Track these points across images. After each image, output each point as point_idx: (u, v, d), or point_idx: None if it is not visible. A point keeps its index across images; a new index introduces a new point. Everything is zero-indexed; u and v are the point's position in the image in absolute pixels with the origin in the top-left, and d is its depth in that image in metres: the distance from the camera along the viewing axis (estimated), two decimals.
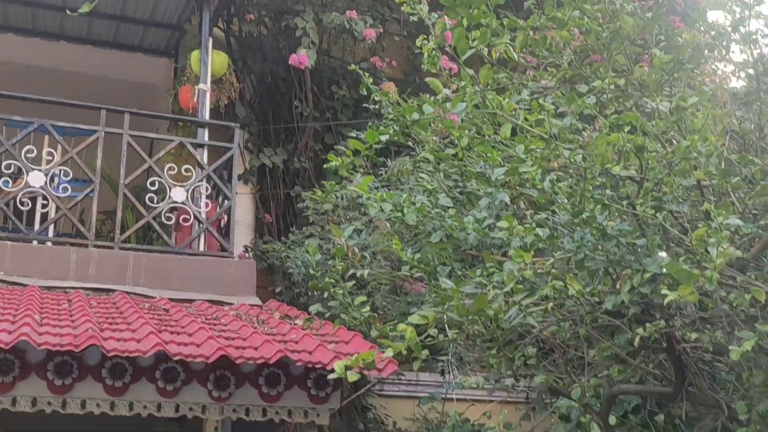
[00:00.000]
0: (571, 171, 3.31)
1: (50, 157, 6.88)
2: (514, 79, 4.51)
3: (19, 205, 6.63)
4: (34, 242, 6.74)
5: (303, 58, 7.60)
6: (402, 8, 3.89)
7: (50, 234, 7.07)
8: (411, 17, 3.94)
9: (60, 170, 6.87)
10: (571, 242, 3.13)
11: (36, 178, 6.69)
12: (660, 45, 3.95)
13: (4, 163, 6.70)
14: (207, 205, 7.27)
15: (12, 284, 6.18)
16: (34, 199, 6.86)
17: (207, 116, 7.67)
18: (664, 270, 2.77)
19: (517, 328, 3.73)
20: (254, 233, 8.93)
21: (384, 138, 4.23)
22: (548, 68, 4.39)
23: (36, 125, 6.81)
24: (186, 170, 7.14)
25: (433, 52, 3.98)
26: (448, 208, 4.71)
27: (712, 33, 4.20)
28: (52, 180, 6.90)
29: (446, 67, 5.01)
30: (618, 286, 3.11)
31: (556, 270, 3.29)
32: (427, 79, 4.09)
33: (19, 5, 8.76)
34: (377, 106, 4.99)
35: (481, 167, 4.80)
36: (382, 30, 8.24)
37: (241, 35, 9.04)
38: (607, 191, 3.14)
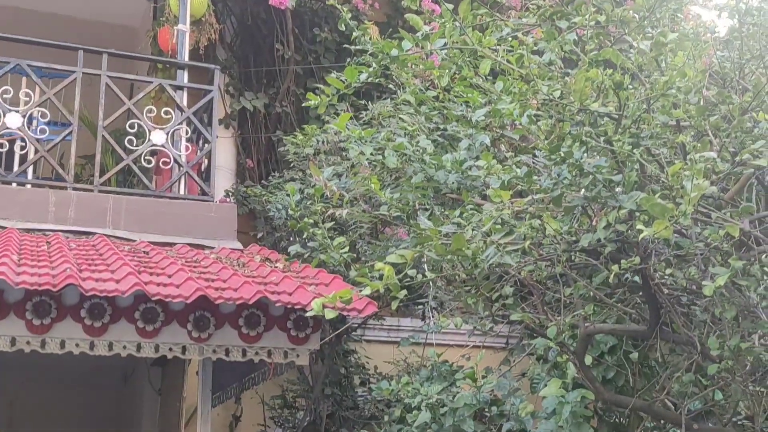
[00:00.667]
0: (550, 110, 3.28)
1: (27, 98, 6.79)
2: (495, 17, 4.46)
3: None
4: (13, 185, 6.68)
5: None
6: None
7: (29, 177, 7.01)
8: None
9: (38, 111, 6.79)
10: (549, 180, 3.12)
11: (13, 120, 6.59)
12: None
13: None
14: (187, 148, 7.21)
15: None
16: (12, 142, 6.78)
17: (186, 58, 7.57)
18: (640, 206, 2.77)
19: (495, 269, 3.74)
20: (236, 178, 8.87)
21: (364, 77, 4.18)
22: (530, 8, 4.34)
23: (12, 65, 6.70)
24: (166, 113, 7.06)
25: None
26: (429, 151, 4.70)
27: None
28: (30, 122, 6.82)
29: (429, 7, 4.96)
30: (594, 223, 3.11)
31: (533, 209, 3.29)
32: (407, 15, 4.03)
33: None
34: (358, 46, 4.93)
35: (461, 109, 4.78)
36: None
37: None
38: (585, 128, 3.12)
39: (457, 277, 4.30)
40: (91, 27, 10.15)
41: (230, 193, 8.36)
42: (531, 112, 3.19)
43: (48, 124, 6.95)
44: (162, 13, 8.12)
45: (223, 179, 8.38)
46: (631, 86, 3.20)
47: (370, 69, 4.02)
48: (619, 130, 3.11)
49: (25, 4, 9.70)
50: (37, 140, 6.71)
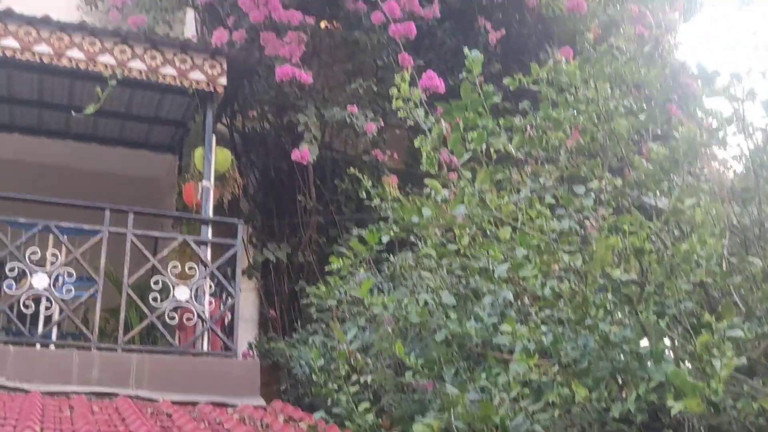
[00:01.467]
0: (571, 275, 3.28)
1: (54, 259, 6.88)
2: (512, 174, 4.54)
3: (22, 308, 6.60)
4: (37, 345, 6.70)
5: (305, 153, 7.66)
6: (398, 114, 3.94)
7: (54, 335, 7.03)
8: (408, 121, 3.99)
9: (64, 271, 6.88)
10: (575, 349, 3.08)
11: (40, 280, 6.68)
12: (657, 138, 3.97)
13: (8, 266, 6.71)
14: (210, 303, 7.24)
15: (14, 390, 6.10)
16: (37, 300, 6.84)
17: (210, 213, 7.71)
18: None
19: None
20: (259, 328, 8.88)
21: (385, 239, 4.24)
22: (545, 162, 4.42)
23: (40, 227, 6.85)
24: (190, 268, 7.14)
25: (431, 153, 4.02)
26: (452, 306, 4.69)
27: (710, 120, 4.22)
28: (56, 281, 6.89)
29: (446, 160, 5.03)
30: (624, 394, 3.05)
31: (561, 378, 3.23)
32: (426, 181, 4.10)
33: (26, 106, 8.93)
34: (379, 203, 5.01)
35: (483, 263, 4.79)
36: (383, 123, 8.33)
37: (245, 130, 9.16)
38: (609, 295, 3.10)
39: None
40: (117, 180, 10.44)
41: (253, 346, 8.32)
42: (554, 284, 3.18)
43: (73, 282, 7.02)
44: (187, 170, 8.32)
45: (246, 330, 8.37)
46: (651, 249, 3.20)
47: (391, 233, 4.07)
48: (643, 295, 3.09)
49: (50, 160, 10.01)
50: (62, 300, 6.77)
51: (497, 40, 8.98)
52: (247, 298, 8.51)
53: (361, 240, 4.67)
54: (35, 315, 6.89)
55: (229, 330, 7.15)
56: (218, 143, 8.52)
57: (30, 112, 9.10)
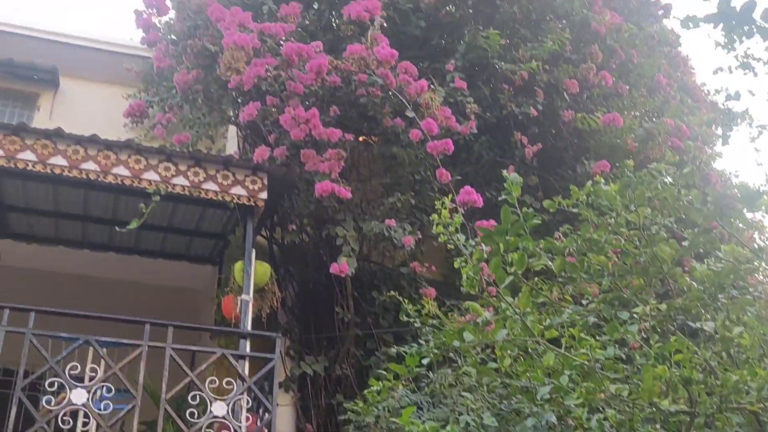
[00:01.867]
0: (617, 405, 3.21)
1: (93, 374, 6.90)
2: (553, 293, 4.52)
3: (60, 424, 6.58)
4: None
5: (343, 266, 7.69)
6: (439, 238, 3.97)
7: None
8: (449, 245, 4.01)
9: (102, 386, 6.89)
10: None
11: (78, 396, 6.68)
12: (698, 256, 3.95)
13: (47, 380, 6.73)
14: (248, 419, 7.17)
15: None
16: (75, 413, 6.82)
17: (249, 327, 7.72)
18: None
19: None
20: None
21: (426, 361, 4.21)
22: (588, 283, 4.40)
23: (81, 341, 6.89)
24: (227, 383, 7.10)
25: (472, 276, 4.02)
26: (494, 427, 4.61)
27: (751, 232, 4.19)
28: (94, 394, 6.89)
29: (486, 275, 5.01)
30: None
31: None
32: (466, 304, 4.09)
33: (71, 220, 9.15)
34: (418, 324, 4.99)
35: (525, 383, 4.72)
36: (420, 236, 8.37)
37: (284, 243, 9.25)
38: (657, 425, 3.03)
39: None
40: (157, 291, 10.56)
41: None
42: (600, 417, 3.12)
43: (112, 396, 7.02)
44: (227, 283, 8.39)
45: None
46: (699, 379, 3.14)
47: (431, 355, 4.04)
48: (693, 426, 3.01)
49: (92, 271, 10.17)
50: (100, 414, 6.75)
51: (533, 153, 9.08)
52: (284, 412, 8.41)
53: (400, 359, 4.64)
54: (72, 429, 6.88)
55: None
56: (257, 255, 8.62)
57: (74, 226, 9.31)
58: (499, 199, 4.10)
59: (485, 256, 3.76)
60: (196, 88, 8.87)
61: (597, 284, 3.94)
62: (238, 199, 8.01)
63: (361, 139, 9.12)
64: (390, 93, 8.09)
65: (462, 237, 4.04)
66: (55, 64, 11.94)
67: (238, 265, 8.14)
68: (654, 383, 2.97)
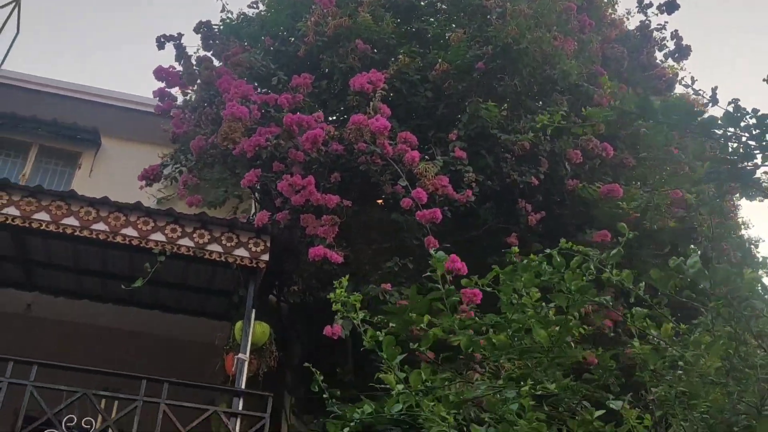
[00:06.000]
0: None
1: (88, 426, 7.23)
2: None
3: None
4: None
5: (336, 329, 7.93)
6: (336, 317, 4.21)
7: None
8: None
9: None
10: None
11: None
12: None
13: None
14: None
15: None
16: None
17: (243, 385, 7.99)
18: None
19: None
20: None
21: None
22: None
23: (80, 394, 7.25)
24: None
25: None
26: None
27: None
28: None
29: None
30: None
31: None
32: (381, 374, 4.30)
33: (92, 276, 9.62)
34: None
35: None
36: None
37: (291, 302, 9.54)
38: None
39: None
40: (179, 344, 10.92)
41: None
42: None
43: None
44: (227, 342, 8.70)
45: None
46: None
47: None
48: None
49: (113, 323, 10.57)
50: None
51: (537, 221, 9.23)
52: None
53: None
54: None
55: None
56: (267, 315, 8.93)
57: (95, 281, 9.77)
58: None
59: (379, 336, 3.99)
60: (212, 153, 9.29)
61: (508, 360, 4.11)
62: (241, 260, 8.36)
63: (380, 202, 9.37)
64: (389, 161, 8.39)
65: (361, 314, 4.29)
66: (96, 125, 12.60)
67: (238, 325, 8.45)
68: None
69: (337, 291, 4.27)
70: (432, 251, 4.47)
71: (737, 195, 10.69)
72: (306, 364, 6.47)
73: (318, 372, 8.27)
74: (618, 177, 9.72)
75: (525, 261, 4.00)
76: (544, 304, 3.94)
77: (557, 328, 3.81)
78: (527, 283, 3.87)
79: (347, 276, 4.65)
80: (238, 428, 7.60)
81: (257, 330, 8.47)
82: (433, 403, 3.72)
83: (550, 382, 3.77)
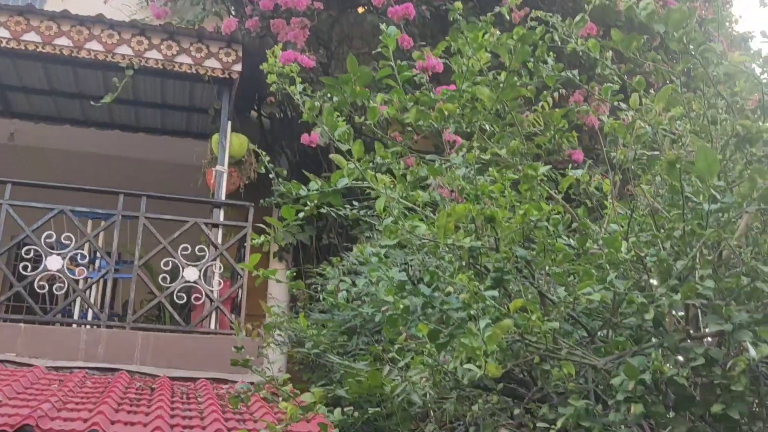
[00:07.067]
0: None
1: (68, 242, 7.22)
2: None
3: (36, 289, 6.97)
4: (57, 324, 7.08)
5: (314, 137, 7.73)
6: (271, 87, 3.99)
7: (76, 315, 7.42)
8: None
9: (78, 253, 7.24)
10: None
11: (54, 262, 7.03)
12: None
13: (23, 249, 7.09)
14: (220, 283, 7.44)
15: (21, 365, 6.44)
16: (51, 281, 7.18)
17: (223, 197, 7.91)
18: None
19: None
20: (289, 310, 9.03)
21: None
22: None
23: (56, 211, 7.19)
24: (199, 250, 7.36)
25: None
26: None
27: None
28: (71, 262, 7.24)
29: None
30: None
31: None
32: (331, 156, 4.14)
33: (66, 98, 9.36)
34: None
35: None
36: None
37: (275, 117, 9.32)
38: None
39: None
40: (164, 166, 10.78)
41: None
42: None
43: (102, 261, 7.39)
44: (206, 156, 8.56)
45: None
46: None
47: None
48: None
49: (97, 148, 10.40)
50: (75, 281, 7.11)
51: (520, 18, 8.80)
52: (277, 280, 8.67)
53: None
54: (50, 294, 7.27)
55: (239, 310, 7.35)
56: (248, 131, 8.75)
57: (73, 105, 9.53)
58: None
59: (318, 105, 3.78)
60: None
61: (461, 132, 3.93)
62: (213, 71, 8.08)
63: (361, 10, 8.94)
64: None
65: (300, 87, 4.07)
66: None
67: (214, 138, 8.29)
68: (449, 221, 2.98)
69: (269, 60, 3.95)
70: (382, 27, 4.20)
71: None
72: (276, 169, 6.32)
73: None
74: None
75: (469, 23, 3.74)
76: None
77: (503, 88, 3.57)
78: (475, 46, 3.61)
79: (281, 44, 4.33)
80: (220, 239, 7.59)
81: (234, 142, 8.31)
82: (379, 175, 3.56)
83: (500, 148, 3.58)
